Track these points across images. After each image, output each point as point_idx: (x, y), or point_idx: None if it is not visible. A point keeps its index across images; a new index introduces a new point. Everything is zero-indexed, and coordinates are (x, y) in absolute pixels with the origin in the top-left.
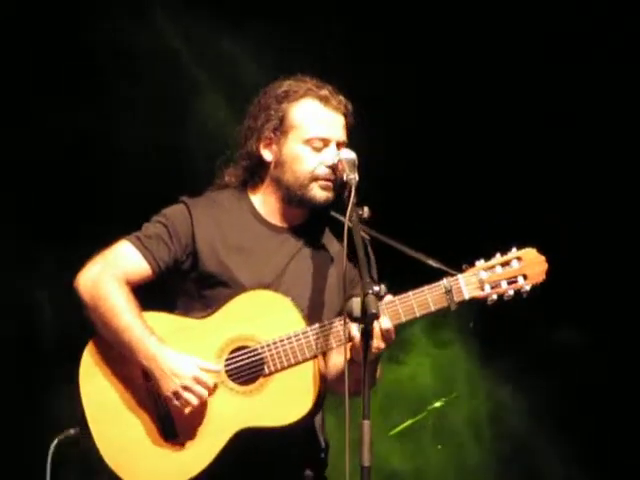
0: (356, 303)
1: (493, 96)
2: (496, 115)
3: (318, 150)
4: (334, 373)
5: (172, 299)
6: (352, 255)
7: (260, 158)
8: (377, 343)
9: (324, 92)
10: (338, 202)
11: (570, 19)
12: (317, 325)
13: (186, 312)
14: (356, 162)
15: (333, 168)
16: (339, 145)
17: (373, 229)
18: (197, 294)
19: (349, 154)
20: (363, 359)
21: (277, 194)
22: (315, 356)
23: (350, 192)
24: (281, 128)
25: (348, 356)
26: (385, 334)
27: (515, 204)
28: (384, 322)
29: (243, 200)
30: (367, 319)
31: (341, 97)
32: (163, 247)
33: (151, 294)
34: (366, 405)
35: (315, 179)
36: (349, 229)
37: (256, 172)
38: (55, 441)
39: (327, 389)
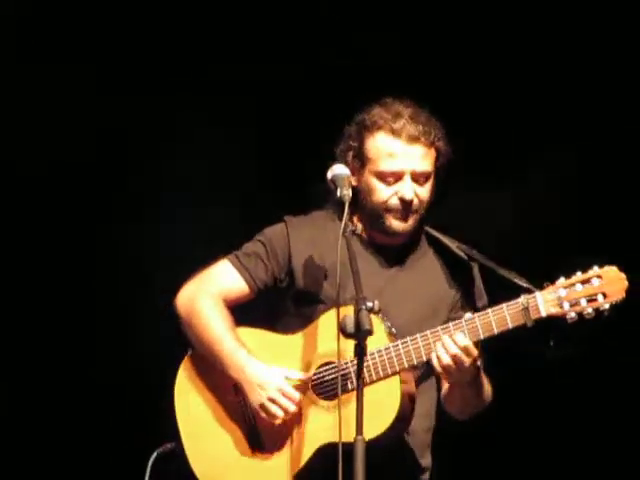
0: (349, 319)
1: None
2: None
3: (391, 183)
4: (444, 393)
5: (274, 317)
6: (454, 279)
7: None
8: (459, 361)
9: (399, 123)
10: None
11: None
12: (399, 342)
13: (284, 329)
14: (350, 178)
15: (408, 201)
16: (416, 176)
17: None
18: (295, 311)
19: (342, 170)
20: (357, 377)
21: (365, 218)
22: (395, 372)
23: (344, 208)
24: (359, 157)
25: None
26: (464, 350)
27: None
28: (459, 339)
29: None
30: (360, 335)
31: (420, 126)
32: (261, 265)
33: (254, 313)
34: (359, 420)
35: (388, 211)
36: (343, 243)
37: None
38: (154, 454)
39: (413, 406)
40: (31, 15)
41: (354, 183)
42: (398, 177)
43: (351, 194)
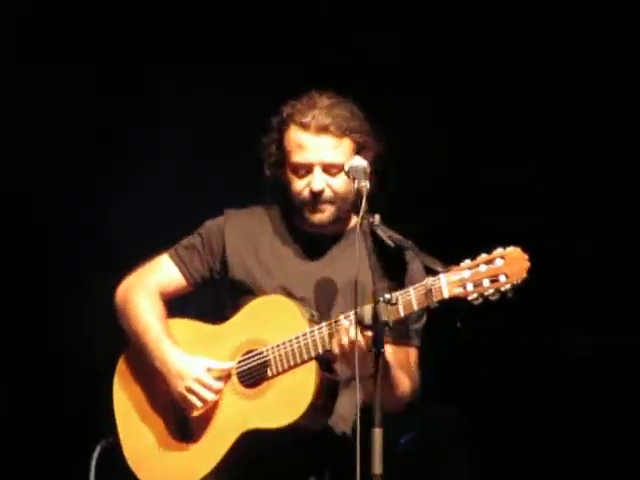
0: (367, 310)
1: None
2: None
3: (303, 176)
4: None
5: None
6: (387, 269)
7: (278, 177)
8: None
9: (310, 116)
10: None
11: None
12: (315, 328)
13: (223, 321)
14: (367, 170)
15: (316, 192)
16: (327, 167)
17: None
18: (231, 303)
19: (359, 162)
20: (375, 368)
21: (294, 210)
22: (311, 358)
23: (361, 200)
24: (280, 150)
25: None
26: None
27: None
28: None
29: (281, 211)
30: (378, 326)
31: (331, 117)
32: (197, 257)
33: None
34: (377, 412)
35: (303, 203)
36: (360, 235)
37: (282, 187)
38: (98, 447)
39: (333, 393)
40: (31, 15)
41: (283, 177)
42: (309, 169)
43: (369, 186)
